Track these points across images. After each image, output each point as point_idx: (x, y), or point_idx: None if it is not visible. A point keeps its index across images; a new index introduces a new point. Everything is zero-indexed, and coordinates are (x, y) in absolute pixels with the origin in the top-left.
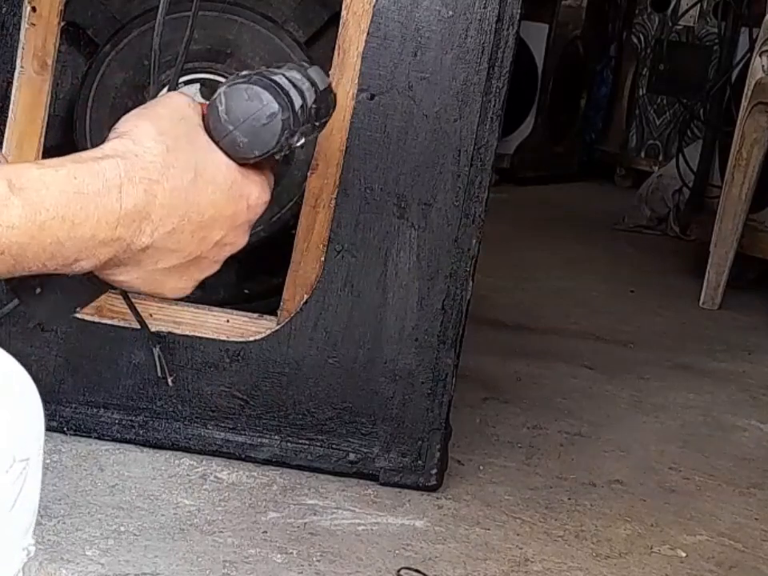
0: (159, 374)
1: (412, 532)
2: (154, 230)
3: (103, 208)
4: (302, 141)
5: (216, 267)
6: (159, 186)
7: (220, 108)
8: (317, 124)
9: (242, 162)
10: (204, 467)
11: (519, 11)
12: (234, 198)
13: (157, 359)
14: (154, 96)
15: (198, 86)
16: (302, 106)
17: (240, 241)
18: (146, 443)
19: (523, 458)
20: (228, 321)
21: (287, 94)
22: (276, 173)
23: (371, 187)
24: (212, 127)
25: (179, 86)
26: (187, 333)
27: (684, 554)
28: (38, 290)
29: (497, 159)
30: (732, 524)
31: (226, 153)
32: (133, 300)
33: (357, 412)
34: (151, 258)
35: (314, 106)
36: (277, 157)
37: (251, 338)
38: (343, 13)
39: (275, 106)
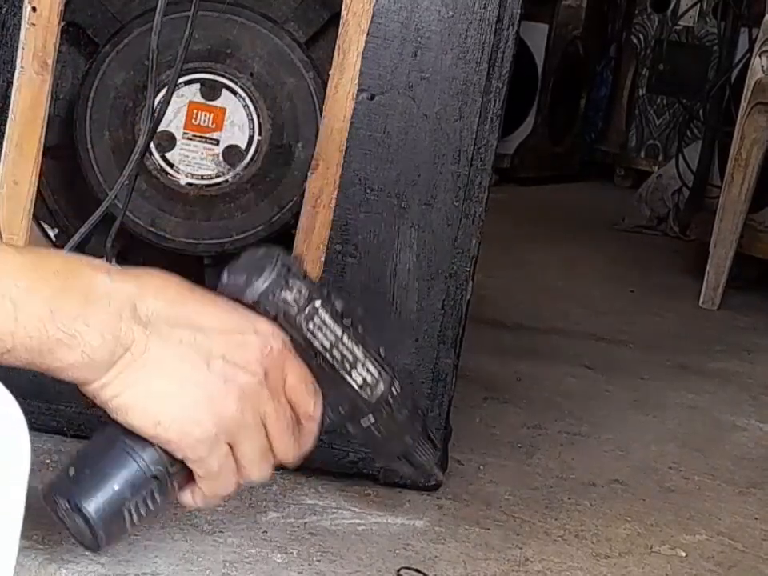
0: None
1: (412, 532)
2: (151, 312)
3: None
4: (318, 327)
5: (232, 401)
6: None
7: (227, 268)
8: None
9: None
10: None
11: (519, 11)
12: (239, 317)
13: None
14: (153, 96)
15: (198, 86)
16: (305, 279)
17: (252, 368)
18: None
19: (523, 457)
20: None
21: (289, 266)
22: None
23: (371, 187)
24: (218, 289)
25: (179, 86)
26: None
27: (684, 554)
28: (72, 472)
29: (497, 159)
30: (732, 524)
31: None
32: None
33: None
34: (144, 366)
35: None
36: (269, 309)
37: None
38: (343, 13)
39: (274, 249)
